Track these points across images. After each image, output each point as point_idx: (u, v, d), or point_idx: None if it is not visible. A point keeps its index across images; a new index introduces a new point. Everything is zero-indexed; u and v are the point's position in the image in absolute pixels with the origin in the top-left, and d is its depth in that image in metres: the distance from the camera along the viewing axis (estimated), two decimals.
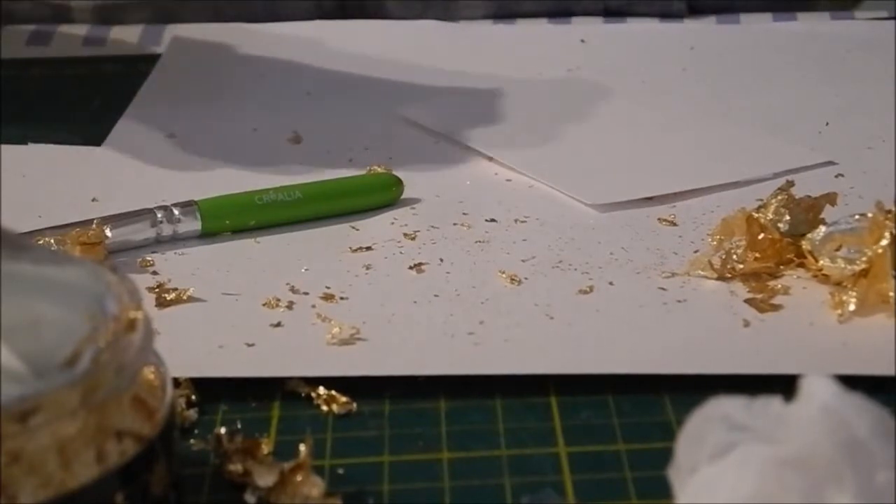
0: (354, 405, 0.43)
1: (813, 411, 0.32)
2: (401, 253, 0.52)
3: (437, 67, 0.72)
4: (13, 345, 0.33)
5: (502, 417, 0.43)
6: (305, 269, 0.51)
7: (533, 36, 0.78)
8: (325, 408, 0.43)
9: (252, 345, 0.46)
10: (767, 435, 0.33)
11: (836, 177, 0.57)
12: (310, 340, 0.46)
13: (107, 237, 0.52)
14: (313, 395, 0.44)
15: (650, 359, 0.44)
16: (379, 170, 0.59)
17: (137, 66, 0.73)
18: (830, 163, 0.59)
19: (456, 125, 0.64)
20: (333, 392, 0.43)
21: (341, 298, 0.49)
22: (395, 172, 0.58)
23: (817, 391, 0.32)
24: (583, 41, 0.76)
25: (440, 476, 0.40)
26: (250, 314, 0.48)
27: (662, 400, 0.43)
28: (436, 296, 0.49)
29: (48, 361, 0.33)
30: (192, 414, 0.43)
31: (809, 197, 0.51)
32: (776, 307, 0.47)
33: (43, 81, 0.73)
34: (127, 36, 0.78)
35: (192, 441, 0.42)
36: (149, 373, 0.37)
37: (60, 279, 0.37)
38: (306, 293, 0.49)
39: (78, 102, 0.70)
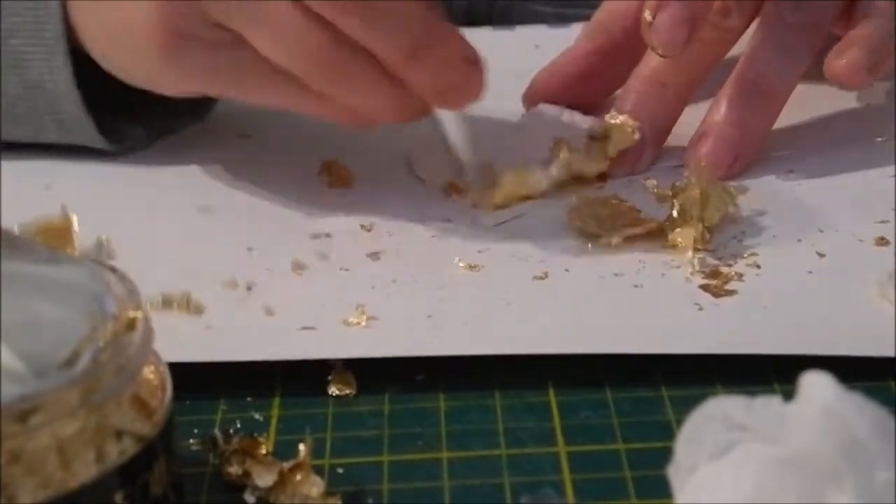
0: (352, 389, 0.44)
1: (813, 411, 0.32)
2: (357, 242, 0.53)
3: None
4: (13, 345, 0.33)
5: (501, 417, 0.43)
6: (266, 260, 0.51)
7: None
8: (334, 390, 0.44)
9: (210, 327, 0.47)
10: (767, 434, 0.33)
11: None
12: (270, 324, 0.47)
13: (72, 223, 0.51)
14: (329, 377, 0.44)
15: (617, 340, 0.45)
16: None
17: None
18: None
19: None
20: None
21: (301, 284, 0.49)
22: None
23: (817, 391, 0.32)
24: None
25: (440, 475, 0.40)
26: (210, 298, 0.48)
27: (662, 399, 0.43)
28: (394, 281, 0.49)
29: (48, 361, 0.33)
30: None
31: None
32: (730, 292, 0.48)
33: None
34: None
35: (191, 441, 0.42)
36: (148, 372, 0.37)
37: (60, 279, 0.37)
38: (267, 276, 0.50)
39: None
